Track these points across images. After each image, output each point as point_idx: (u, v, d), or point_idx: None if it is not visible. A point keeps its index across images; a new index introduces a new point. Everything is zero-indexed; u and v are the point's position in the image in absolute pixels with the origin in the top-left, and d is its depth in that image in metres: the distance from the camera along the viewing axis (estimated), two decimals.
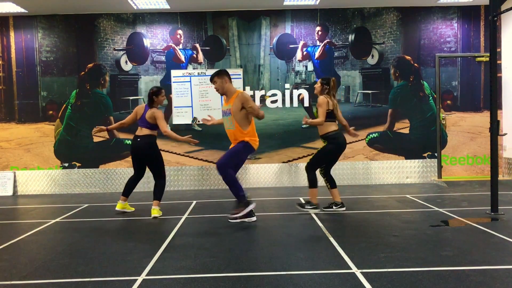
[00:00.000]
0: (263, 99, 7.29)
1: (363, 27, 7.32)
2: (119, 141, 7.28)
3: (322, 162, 5.10)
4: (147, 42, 7.27)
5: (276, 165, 7.29)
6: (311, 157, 5.14)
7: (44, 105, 7.28)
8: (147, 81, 7.23)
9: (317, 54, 7.31)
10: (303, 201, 5.26)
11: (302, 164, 7.26)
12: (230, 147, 4.74)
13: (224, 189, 7.22)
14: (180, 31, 7.28)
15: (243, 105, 4.50)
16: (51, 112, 7.28)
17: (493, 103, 4.81)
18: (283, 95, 7.31)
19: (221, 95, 4.73)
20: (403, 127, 7.35)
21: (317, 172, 5.10)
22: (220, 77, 4.59)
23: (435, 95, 7.31)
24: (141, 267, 3.26)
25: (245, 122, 4.57)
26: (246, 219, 4.59)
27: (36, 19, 7.19)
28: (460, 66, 7.36)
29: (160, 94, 5.10)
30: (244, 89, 7.13)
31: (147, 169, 5.26)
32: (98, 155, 7.27)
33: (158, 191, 5.10)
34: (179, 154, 7.23)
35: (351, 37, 7.32)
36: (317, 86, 5.08)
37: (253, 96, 7.19)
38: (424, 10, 7.28)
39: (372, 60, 7.34)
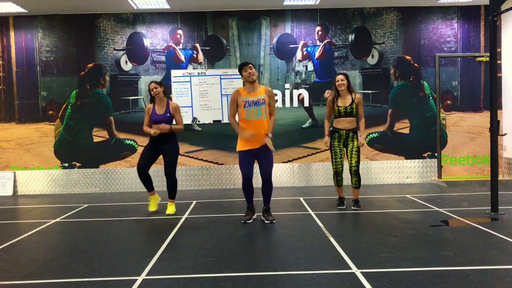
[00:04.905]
0: None
1: (363, 27, 7.31)
2: (119, 141, 7.28)
3: None
4: (147, 42, 7.27)
5: (276, 165, 7.27)
6: (356, 158, 5.08)
7: (44, 105, 7.28)
8: (147, 81, 7.20)
9: (317, 54, 7.31)
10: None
11: (302, 164, 7.28)
12: (254, 143, 4.54)
13: (224, 189, 7.25)
14: (180, 31, 7.27)
15: (269, 99, 4.65)
16: (51, 112, 7.28)
17: (493, 103, 4.81)
18: (283, 95, 7.31)
19: (251, 82, 4.55)
20: (403, 127, 7.35)
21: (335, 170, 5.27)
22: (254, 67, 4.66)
23: (435, 95, 7.31)
24: (141, 267, 3.26)
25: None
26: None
27: (36, 19, 7.19)
28: (460, 66, 7.36)
29: None
30: None
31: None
32: (98, 155, 7.27)
33: (175, 188, 5.30)
34: (179, 154, 7.21)
35: (351, 37, 7.32)
36: (345, 82, 5.05)
37: None
38: (424, 10, 7.28)
39: (372, 60, 7.34)
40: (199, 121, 7.22)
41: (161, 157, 5.27)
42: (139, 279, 3.01)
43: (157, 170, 6.87)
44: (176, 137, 5.25)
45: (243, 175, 4.60)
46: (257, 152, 4.58)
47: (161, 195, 5.64)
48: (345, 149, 5.18)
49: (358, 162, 5.09)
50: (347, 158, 5.15)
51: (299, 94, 7.32)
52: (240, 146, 4.60)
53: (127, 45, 7.26)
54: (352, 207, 5.21)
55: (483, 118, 7.22)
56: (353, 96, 5.09)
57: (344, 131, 5.08)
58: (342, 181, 5.28)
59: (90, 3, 6.69)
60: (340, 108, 5.06)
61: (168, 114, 5.11)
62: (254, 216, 4.82)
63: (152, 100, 5.22)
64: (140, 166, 5.18)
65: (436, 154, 7.32)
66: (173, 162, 5.18)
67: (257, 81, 4.64)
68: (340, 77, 5.06)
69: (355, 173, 5.12)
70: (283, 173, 7.30)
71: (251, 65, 4.56)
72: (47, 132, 7.27)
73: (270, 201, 4.77)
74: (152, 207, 5.33)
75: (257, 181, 7.24)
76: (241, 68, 4.59)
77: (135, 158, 7.27)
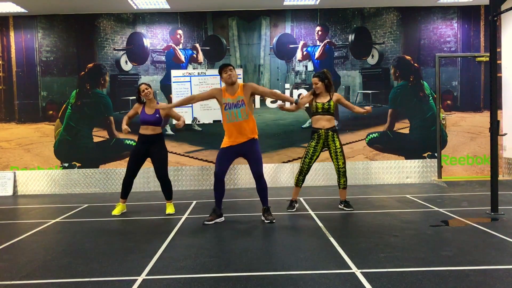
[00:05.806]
0: (263, 99, 7.28)
1: (363, 27, 7.32)
2: (119, 141, 7.28)
3: None
4: (147, 42, 7.27)
5: (276, 165, 7.29)
6: (342, 159, 5.02)
7: (44, 105, 7.28)
8: (147, 81, 7.20)
9: (317, 54, 7.31)
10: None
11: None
12: (236, 141, 4.52)
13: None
14: (180, 31, 7.27)
15: (253, 92, 4.57)
16: (51, 112, 7.28)
17: (493, 103, 4.81)
18: None
19: (231, 84, 4.50)
20: (403, 127, 7.35)
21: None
22: (234, 68, 4.59)
23: (435, 95, 7.31)
24: (141, 267, 3.26)
25: (252, 112, 4.66)
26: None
27: (36, 19, 7.19)
28: (460, 66, 7.36)
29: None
30: None
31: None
32: (98, 155, 7.26)
33: (170, 190, 5.27)
34: (179, 154, 7.23)
35: (351, 37, 7.32)
36: (320, 85, 4.99)
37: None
38: (424, 10, 7.28)
39: (372, 60, 7.34)
40: (199, 121, 7.22)
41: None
42: (139, 279, 3.01)
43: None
44: (164, 138, 5.26)
45: (214, 171, 4.57)
46: (242, 151, 4.55)
47: (159, 195, 5.63)
48: (327, 150, 5.09)
49: (344, 162, 5.04)
50: (332, 159, 5.06)
51: (299, 94, 7.31)
52: (223, 143, 4.62)
53: (127, 45, 7.26)
54: (344, 208, 5.14)
55: (483, 118, 7.22)
56: (331, 95, 5.04)
57: (323, 131, 4.98)
58: (302, 182, 5.17)
59: (90, 3, 6.69)
60: (317, 104, 5.00)
61: (157, 115, 5.09)
62: (220, 220, 4.69)
63: (139, 101, 5.19)
64: (130, 172, 5.16)
65: (436, 154, 7.32)
66: (164, 164, 5.16)
67: (237, 83, 4.58)
68: (314, 80, 5.03)
69: (343, 174, 5.06)
70: (283, 173, 7.30)
71: (231, 67, 4.52)
72: (47, 132, 7.27)
73: (267, 200, 4.74)
74: (116, 212, 5.25)
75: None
76: (221, 69, 4.54)
77: None
